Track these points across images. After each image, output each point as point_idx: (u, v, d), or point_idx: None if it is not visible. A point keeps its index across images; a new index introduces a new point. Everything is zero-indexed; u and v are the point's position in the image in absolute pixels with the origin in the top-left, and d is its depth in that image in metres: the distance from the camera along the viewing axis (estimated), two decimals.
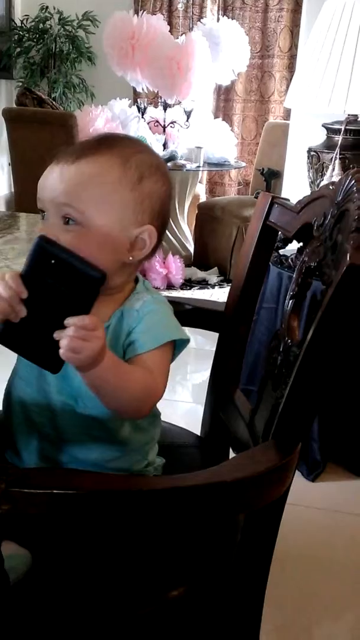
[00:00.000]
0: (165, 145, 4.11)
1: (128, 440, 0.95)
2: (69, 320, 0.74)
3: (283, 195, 1.02)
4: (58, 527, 0.81)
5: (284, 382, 0.89)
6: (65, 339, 0.74)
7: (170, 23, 4.99)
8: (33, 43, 5.12)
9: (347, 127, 2.20)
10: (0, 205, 4.66)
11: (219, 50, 4.14)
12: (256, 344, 2.14)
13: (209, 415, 1.28)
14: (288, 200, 1.11)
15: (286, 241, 1.99)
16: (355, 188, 0.81)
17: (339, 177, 1.23)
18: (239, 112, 5.40)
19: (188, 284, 3.99)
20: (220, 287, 3.98)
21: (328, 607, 1.58)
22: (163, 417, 1.04)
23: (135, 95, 4.95)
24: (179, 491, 0.77)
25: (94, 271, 0.74)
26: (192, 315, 1.23)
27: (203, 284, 4.02)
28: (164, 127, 4.17)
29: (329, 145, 2.29)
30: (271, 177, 4.27)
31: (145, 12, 4.30)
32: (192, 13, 5.17)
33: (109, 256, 0.86)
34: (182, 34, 4.58)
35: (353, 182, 0.82)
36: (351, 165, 2.18)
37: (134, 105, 4.37)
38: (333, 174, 2.16)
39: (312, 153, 2.34)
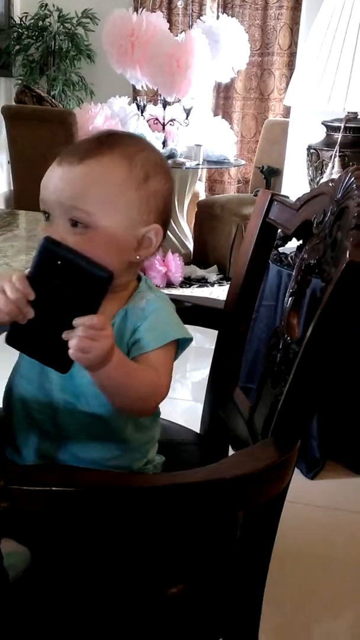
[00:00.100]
0: (164, 143, 4.10)
1: (130, 439, 0.95)
2: (77, 321, 0.74)
3: (283, 193, 1.02)
4: (57, 525, 0.81)
5: (283, 380, 0.89)
6: (74, 339, 0.74)
7: (169, 20, 4.98)
8: (32, 41, 5.12)
9: (347, 125, 2.20)
10: (0, 203, 4.66)
11: (219, 47, 4.14)
12: (255, 342, 2.14)
13: (209, 412, 1.28)
14: (287, 197, 1.11)
15: (286, 239, 2.00)
16: (354, 185, 0.81)
17: (339, 174, 1.23)
18: (239, 109, 5.40)
19: (187, 282, 3.99)
20: (219, 285, 3.98)
21: (327, 605, 1.58)
22: (162, 415, 1.04)
23: (135, 93, 4.94)
24: (178, 488, 0.77)
25: (101, 271, 0.74)
26: (191, 312, 1.22)
27: (202, 282, 4.02)
28: (164, 125, 4.16)
29: (328, 143, 2.29)
30: (271, 174, 4.27)
31: (144, 9, 4.29)
32: (192, 10, 5.17)
33: (117, 256, 0.86)
34: (181, 32, 4.58)
35: (352, 179, 0.82)
36: (351, 163, 2.18)
37: (133, 102, 4.37)
38: (333, 171, 2.15)
39: (312, 151, 2.33)
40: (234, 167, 4.98)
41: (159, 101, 4.36)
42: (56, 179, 0.85)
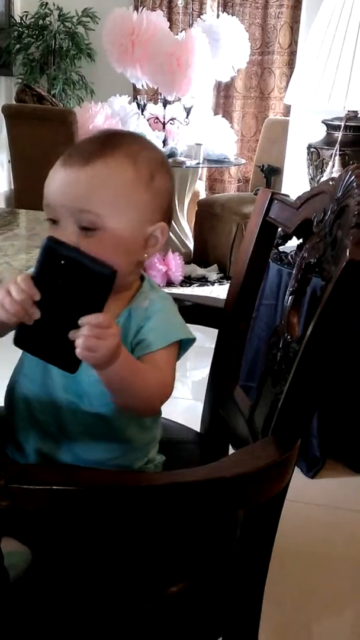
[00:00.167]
0: (165, 142, 4.10)
1: (132, 439, 0.95)
2: (83, 320, 0.74)
3: (283, 191, 1.02)
4: (58, 524, 0.81)
5: (283, 378, 0.89)
6: (80, 338, 0.74)
7: (170, 19, 4.98)
8: (32, 40, 5.12)
9: (347, 124, 2.20)
10: (0, 202, 4.66)
11: (219, 46, 4.14)
12: (256, 341, 2.14)
13: (209, 411, 1.28)
14: (288, 196, 1.11)
15: (286, 238, 2.00)
16: (355, 184, 0.81)
17: (339, 173, 1.23)
18: (239, 108, 5.40)
19: (188, 281, 3.99)
20: (219, 284, 3.98)
21: (328, 604, 1.58)
22: (163, 414, 1.04)
23: (135, 92, 4.94)
24: (178, 487, 0.77)
25: (105, 269, 0.74)
26: (191, 311, 1.22)
27: (203, 281, 4.02)
28: (164, 124, 4.16)
29: (328, 142, 2.29)
30: (271, 173, 4.27)
31: (144, 8, 4.29)
32: (192, 9, 5.17)
33: (125, 256, 0.86)
34: (181, 31, 4.57)
35: (353, 177, 0.82)
36: (351, 162, 2.18)
37: (133, 101, 4.36)
38: (333, 170, 2.15)
39: (312, 149, 2.33)
40: (234, 166, 4.98)
41: (159, 100, 4.35)
42: (61, 183, 0.84)
